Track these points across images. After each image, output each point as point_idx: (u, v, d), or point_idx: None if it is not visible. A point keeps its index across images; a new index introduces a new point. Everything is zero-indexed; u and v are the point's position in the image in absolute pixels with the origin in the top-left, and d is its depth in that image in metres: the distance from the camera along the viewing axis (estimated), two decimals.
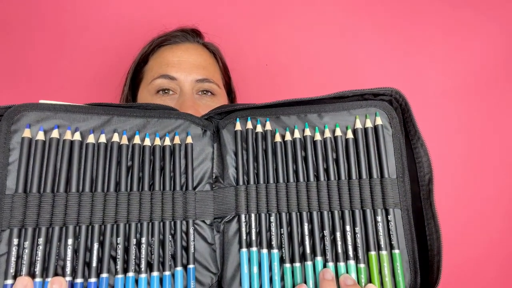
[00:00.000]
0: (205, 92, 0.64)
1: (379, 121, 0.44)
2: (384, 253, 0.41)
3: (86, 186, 0.40)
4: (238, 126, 0.45)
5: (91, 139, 0.42)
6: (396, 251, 0.41)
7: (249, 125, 0.45)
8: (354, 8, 0.86)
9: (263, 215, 0.43)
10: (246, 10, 0.87)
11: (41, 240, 0.38)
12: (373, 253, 0.41)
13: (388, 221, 0.42)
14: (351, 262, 0.41)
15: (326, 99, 0.46)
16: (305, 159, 0.44)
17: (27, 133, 0.40)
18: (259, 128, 0.45)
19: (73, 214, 0.39)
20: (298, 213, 0.43)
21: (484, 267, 0.90)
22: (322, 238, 0.42)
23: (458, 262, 0.90)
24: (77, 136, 0.41)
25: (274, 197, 0.43)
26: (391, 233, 0.42)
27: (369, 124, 0.44)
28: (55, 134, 0.41)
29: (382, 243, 0.41)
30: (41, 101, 0.42)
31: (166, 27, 0.70)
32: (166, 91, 0.62)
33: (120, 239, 0.40)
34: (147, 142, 0.43)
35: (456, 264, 0.90)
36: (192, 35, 0.68)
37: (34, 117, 0.41)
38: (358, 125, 0.44)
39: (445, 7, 0.86)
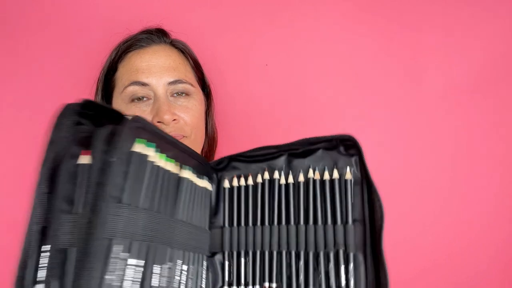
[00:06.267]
0: (179, 94, 0.64)
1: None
2: None
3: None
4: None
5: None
6: None
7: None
8: (354, 7, 0.86)
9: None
10: (246, 9, 0.87)
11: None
12: None
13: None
14: None
15: (295, 145, 0.49)
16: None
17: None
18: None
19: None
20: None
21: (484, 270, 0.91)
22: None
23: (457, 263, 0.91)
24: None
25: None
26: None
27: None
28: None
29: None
30: None
31: (130, 30, 0.68)
32: (140, 98, 0.62)
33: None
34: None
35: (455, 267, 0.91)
36: (157, 35, 0.66)
37: None
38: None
39: (444, 6, 0.86)
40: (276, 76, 0.88)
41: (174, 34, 0.70)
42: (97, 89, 0.68)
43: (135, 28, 0.67)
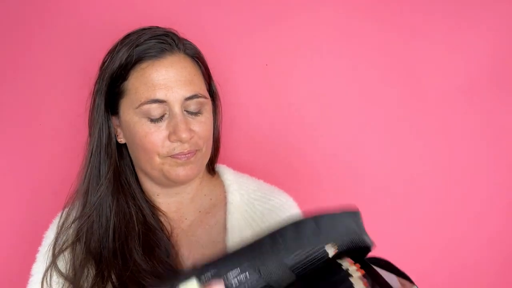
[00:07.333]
0: (195, 111, 0.63)
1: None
2: None
3: None
4: None
5: None
6: None
7: None
8: (354, 8, 0.86)
9: None
10: (246, 9, 0.87)
11: None
12: None
13: None
14: None
15: None
16: None
17: None
18: None
19: None
20: None
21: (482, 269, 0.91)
22: None
23: (457, 263, 0.91)
24: None
25: None
26: None
27: None
28: None
29: None
30: None
31: (135, 26, 0.65)
32: (157, 118, 0.61)
33: None
34: None
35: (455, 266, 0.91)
36: (170, 43, 0.63)
37: None
38: None
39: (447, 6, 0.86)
40: (276, 76, 0.88)
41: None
42: (99, 90, 0.65)
43: (136, 27, 0.66)
